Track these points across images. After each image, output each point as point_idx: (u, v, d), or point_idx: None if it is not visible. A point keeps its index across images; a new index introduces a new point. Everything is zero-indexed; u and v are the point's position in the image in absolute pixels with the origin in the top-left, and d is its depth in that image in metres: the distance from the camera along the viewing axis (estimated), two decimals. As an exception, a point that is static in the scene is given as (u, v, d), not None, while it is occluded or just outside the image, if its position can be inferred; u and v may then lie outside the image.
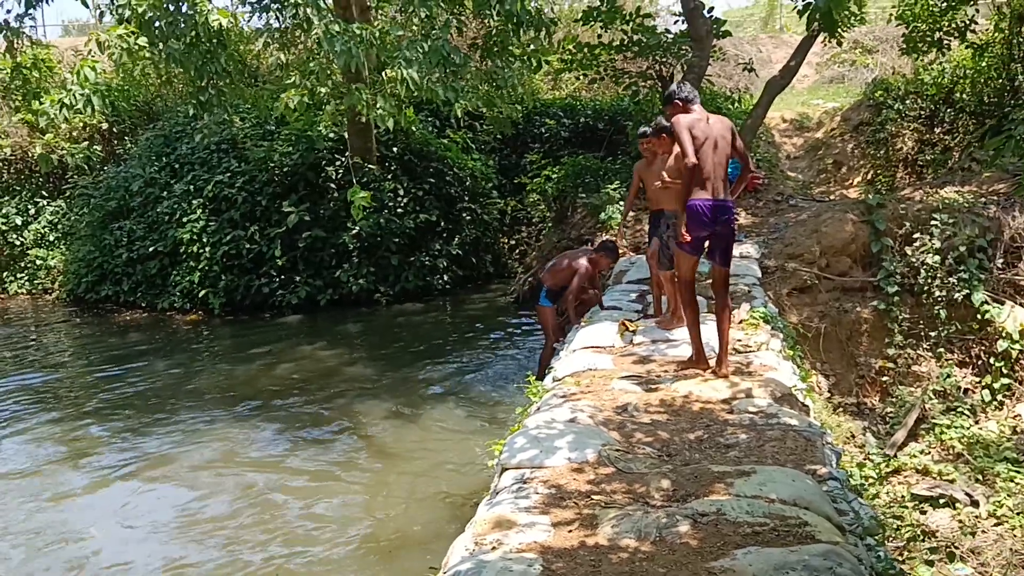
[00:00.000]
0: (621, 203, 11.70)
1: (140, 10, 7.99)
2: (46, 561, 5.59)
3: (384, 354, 10.47)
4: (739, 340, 6.83)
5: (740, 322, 7.39)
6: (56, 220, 16.34)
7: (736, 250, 9.88)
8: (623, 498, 3.92)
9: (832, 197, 13.59)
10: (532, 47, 10.86)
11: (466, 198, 14.81)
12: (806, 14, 10.05)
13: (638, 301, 8.77)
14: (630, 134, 14.70)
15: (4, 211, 16.20)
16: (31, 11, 9.92)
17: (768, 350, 6.60)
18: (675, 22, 15.26)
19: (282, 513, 6.11)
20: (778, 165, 15.73)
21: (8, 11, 10.41)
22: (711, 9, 13.52)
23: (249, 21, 10.76)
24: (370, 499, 6.30)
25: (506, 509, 3.87)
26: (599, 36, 14.04)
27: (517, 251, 15.58)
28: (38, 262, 15.86)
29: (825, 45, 16.28)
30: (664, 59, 13.38)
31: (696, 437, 4.75)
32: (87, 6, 10.06)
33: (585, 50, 13.65)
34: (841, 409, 8.70)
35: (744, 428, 4.78)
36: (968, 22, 13.27)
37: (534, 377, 6.68)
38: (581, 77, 15.59)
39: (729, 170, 12.02)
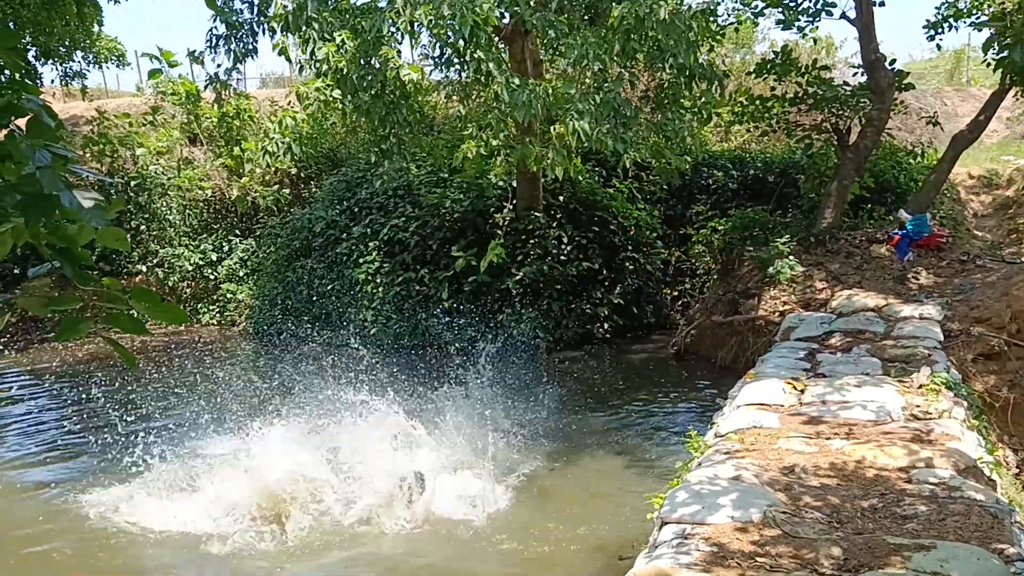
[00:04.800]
0: (791, 257, 11.39)
1: (339, 65, 8.62)
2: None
3: (545, 400, 10.55)
4: (917, 406, 6.48)
5: (920, 387, 7.01)
6: (246, 257, 17.58)
7: (915, 311, 9.46)
8: (789, 563, 3.80)
9: (1025, 258, 12.65)
10: (703, 99, 10.84)
11: (629, 247, 14.82)
12: (1000, 68, 9.51)
13: (807, 359, 8.49)
14: (802, 187, 14.34)
15: (202, 247, 17.61)
16: (239, 65, 10.90)
17: (951, 418, 6.22)
18: (854, 74, 14.83)
19: (435, 553, 6.23)
20: (964, 223, 14.84)
21: (218, 65, 11.42)
22: (893, 61, 13.07)
23: (430, 75, 11.36)
24: (526, 543, 6.34)
25: (666, 563, 3.83)
26: (772, 88, 13.84)
27: (680, 302, 15.38)
28: (228, 295, 17.09)
29: (1017, 99, 15.33)
30: (841, 112, 13.00)
31: (870, 505, 4.54)
32: (289, 60, 10.99)
33: (757, 102, 13.49)
34: (1032, 487, 8.01)
35: (924, 500, 4.52)
36: None
37: (695, 431, 6.58)
38: (752, 129, 15.35)
39: (909, 227, 11.52)
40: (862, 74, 13.31)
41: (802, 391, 7.02)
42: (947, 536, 4.06)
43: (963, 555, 3.73)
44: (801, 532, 4.11)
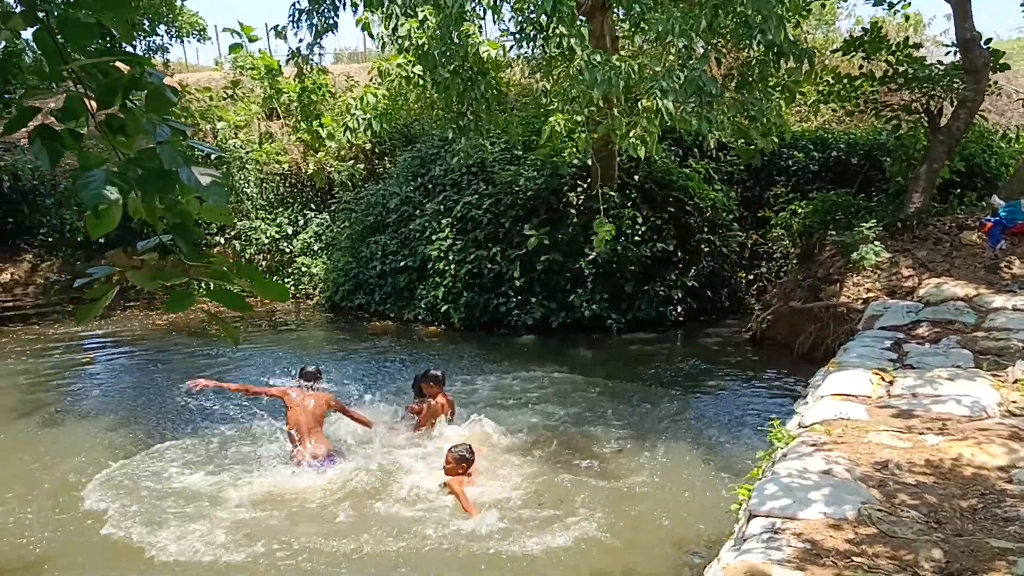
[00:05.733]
0: (876, 243, 11.02)
1: (420, 42, 8.58)
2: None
3: (615, 382, 10.44)
4: (1013, 401, 6.20)
5: (1015, 381, 6.71)
6: (321, 231, 17.81)
7: (1008, 301, 9.06)
8: (887, 564, 3.65)
9: None
10: (790, 78, 10.50)
11: (705, 229, 14.56)
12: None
13: (893, 349, 8.20)
14: (888, 170, 13.86)
15: (279, 221, 17.90)
16: (320, 40, 10.94)
17: (1051, 416, 5.92)
18: (946, 53, 14.23)
19: (504, 540, 6.13)
20: (1060, 210, 14.13)
21: (300, 40, 11.48)
22: (988, 40, 12.48)
23: (510, 50, 11.24)
24: (598, 532, 6.23)
25: (757, 558, 3.72)
26: (860, 67, 13.35)
27: (755, 286, 15.06)
28: (303, 269, 17.36)
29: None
30: (933, 92, 12.49)
31: (969, 505, 4.34)
32: (372, 36, 10.97)
33: (845, 81, 13.05)
34: None
35: (1027, 502, 4.31)
36: None
37: (777, 421, 6.40)
38: (837, 109, 14.87)
39: (1002, 213, 11.05)
40: (955, 53, 12.75)
41: (890, 383, 6.77)
42: (1055, 542, 3.86)
43: (1075, 564, 3.54)
44: (899, 532, 3.95)
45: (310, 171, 17.67)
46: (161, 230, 1.95)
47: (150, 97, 1.89)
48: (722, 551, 4.57)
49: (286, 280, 17.49)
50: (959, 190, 13.07)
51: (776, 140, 11.09)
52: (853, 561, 3.66)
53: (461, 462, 7.07)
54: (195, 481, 7.31)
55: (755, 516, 4.24)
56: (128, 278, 2.35)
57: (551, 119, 9.09)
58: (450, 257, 14.01)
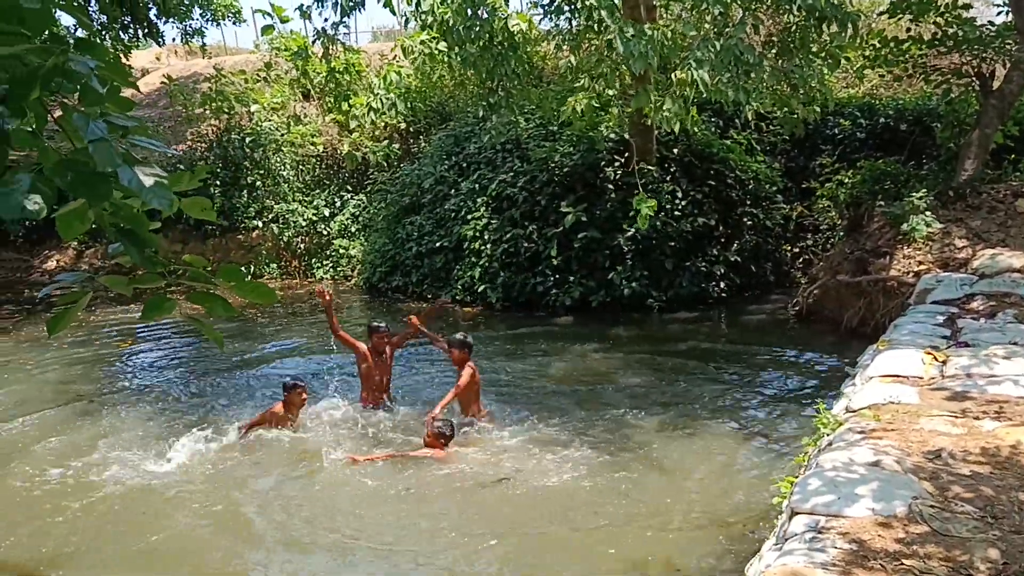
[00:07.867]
0: (927, 213, 10.57)
1: (444, 17, 8.33)
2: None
3: (656, 363, 10.18)
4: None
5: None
6: (357, 213, 17.70)
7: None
8: (940, 566, 3.39)
9: None
10: (833, 43, 10.03)
11: (748, 202, 14.14)
12: None
13: (946, 325, 7.84)
14: (939, 137, 13.32)
15: (315, 203, 17.84)
16: (345, 19, 10.76)
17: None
18: (997, 13, 13.61)
19: (544, 522, 6.01)
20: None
21: (325, 19, 11.26)
22: (1042, -2, 11.86)
23: (540, 23, 10.89)
24: (639, 516, 6.05)
25: (799, 561, 3.49)
26: (907, 30, 12.79)
27: (801, 260, 14.62)
28: (341, 251, 17.29)
29: None
30: (984, 54, 11.92)
31: (1029, 498, 4.05)
32: (394, 13, 10.77)
33: (891, 45, 12.52)
34: None
35: (1094, 495, 4.01)
36: None
37: (823, 405, 6.12)
38: (885, 74, 14.29)
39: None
40: (1007, 13, 12.18)
41: (943, 362, 6.44)
42: (1125, 540, 3.57)
43: None
44: (952, 530, 3.68)
45: (344, 152, 17.57)
46: (113, 236, 1.78)
47: (83, 89, 1.70)
48: (763, 548, 4.35)
49: (325, 263, 17.46)
50: (1013, 156, 12.48)
51: (818, 109, 10.63)
52: (903, 564, 3.41)
53: (439, 438, 7.21)
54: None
55: (797, 513, 4.00)
56: (102, 283, 2.19)
57: (570, 99, 8.77)
58: (486, 237, 13.80)
